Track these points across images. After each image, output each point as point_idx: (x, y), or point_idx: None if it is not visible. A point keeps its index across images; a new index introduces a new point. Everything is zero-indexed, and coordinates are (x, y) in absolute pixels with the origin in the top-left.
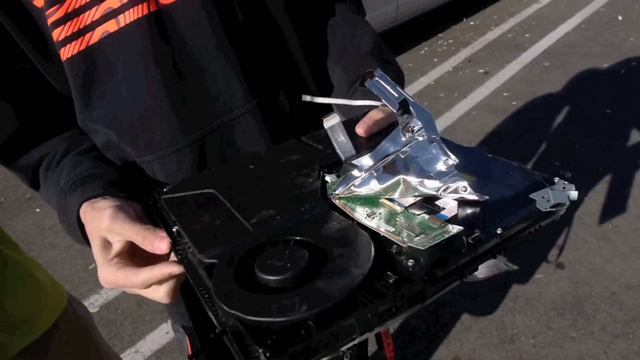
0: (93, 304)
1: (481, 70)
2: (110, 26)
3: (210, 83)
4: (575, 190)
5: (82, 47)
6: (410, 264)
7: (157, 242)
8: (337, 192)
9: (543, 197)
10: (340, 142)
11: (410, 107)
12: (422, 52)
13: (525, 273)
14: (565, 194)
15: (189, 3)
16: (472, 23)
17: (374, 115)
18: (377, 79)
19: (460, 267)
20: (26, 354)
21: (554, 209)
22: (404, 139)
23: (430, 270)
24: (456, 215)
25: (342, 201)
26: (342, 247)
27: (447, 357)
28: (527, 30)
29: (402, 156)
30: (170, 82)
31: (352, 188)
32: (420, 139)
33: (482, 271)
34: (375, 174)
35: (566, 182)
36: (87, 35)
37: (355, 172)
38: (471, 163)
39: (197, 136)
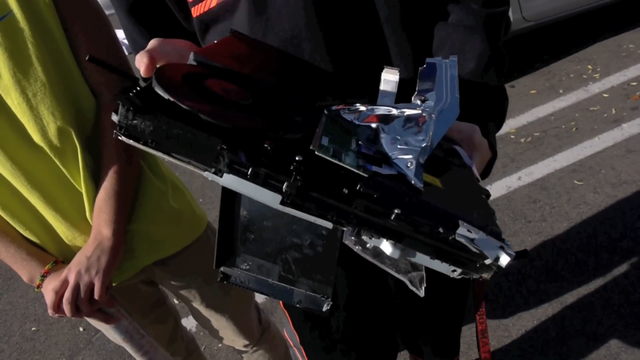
0: None
1: None
2: None
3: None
4: (511, 259)
5: (204, 10)
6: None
7: (139, 57)
8: (332, 107)
9: (469, 231)
10: (385, 92)
11: (444, 88)
12: None
13: None
14: (496, 250)
15: None
16: None
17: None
18: (450, 61)
19: (319, 196)
20: (157, 264)
21: (469, 253)
22: (415, 101)
23: (301, 166)
24: (379, 175)
25: (326, 117)
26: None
27: None
28: None
29: (395, 112)
30: None
31: (345, 107)
32: (421, 112)
33: (370, 253)
34: (367, 109)
35: (509, 246)
36: (208, 1)
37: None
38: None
39: None
